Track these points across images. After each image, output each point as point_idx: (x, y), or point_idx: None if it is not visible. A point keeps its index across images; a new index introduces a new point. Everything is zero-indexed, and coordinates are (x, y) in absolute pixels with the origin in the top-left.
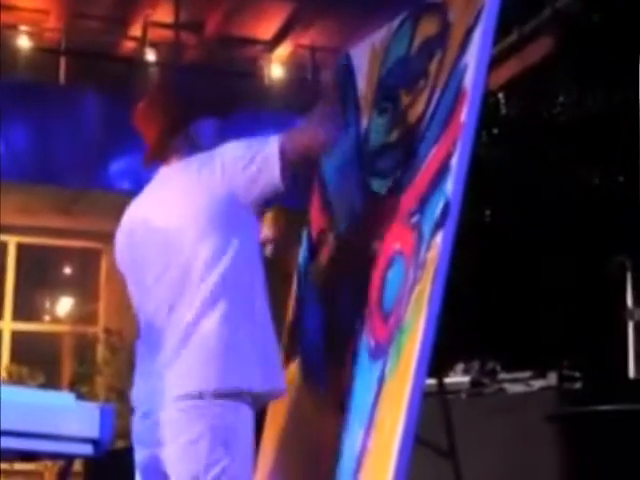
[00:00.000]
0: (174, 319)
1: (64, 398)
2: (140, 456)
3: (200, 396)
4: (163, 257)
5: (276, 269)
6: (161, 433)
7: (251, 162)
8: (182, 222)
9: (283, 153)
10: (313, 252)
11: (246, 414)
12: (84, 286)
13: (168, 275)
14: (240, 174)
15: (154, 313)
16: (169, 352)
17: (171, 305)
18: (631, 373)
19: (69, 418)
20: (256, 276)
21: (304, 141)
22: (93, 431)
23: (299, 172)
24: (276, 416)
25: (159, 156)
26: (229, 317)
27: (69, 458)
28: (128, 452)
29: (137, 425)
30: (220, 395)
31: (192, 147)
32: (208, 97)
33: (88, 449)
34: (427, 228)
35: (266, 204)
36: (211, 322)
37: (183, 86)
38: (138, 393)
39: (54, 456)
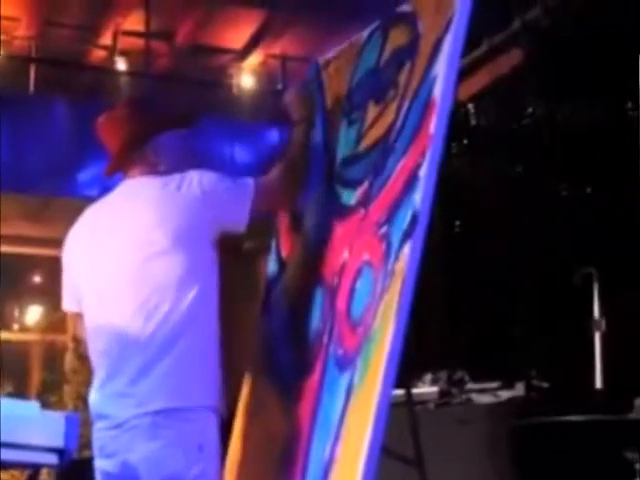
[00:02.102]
0: (139, 336)
1: (29, 407)
2: (105, 467)
3: (167, 412)
4: (127, 269)
5: (243, 279)
6: (131, 440)
7: (224, 202)
8: (154, 237)
9: (253, 206)
10: (282, 262)
11: (213, 420)
12: (53, 294)
13: (133, 291)
14: (215, 208)
15: (118, 326)
16: (135, 368)
17: (137, 321)
18: (598, 384)
19: (34, 427)
20: (216, 302)
21: (272, 200)
22: (58, 440)
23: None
24: (244, 426)
25: (121, 167)
26: (197, 338)
27: (34, 467)
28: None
29: (102, 436)
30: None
31: (156, 160)
32: (171, 110)
33: (53, 459)
34: (396, 238)
35: None
36: (179, 345)
37: (146, 98)
38: (101, 404)
39: (18, 465)
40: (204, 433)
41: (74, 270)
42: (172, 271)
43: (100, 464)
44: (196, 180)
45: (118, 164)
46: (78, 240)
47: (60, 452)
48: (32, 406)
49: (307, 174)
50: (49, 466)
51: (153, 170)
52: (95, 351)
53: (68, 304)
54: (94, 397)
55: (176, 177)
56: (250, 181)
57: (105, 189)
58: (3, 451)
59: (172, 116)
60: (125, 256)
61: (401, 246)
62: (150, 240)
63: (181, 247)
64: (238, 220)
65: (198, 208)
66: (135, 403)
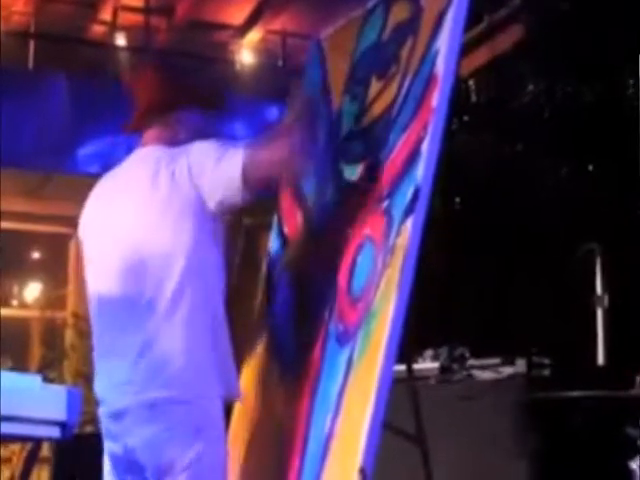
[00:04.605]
0: (137, 319)
1: (30, 381)
2: (112, 449)
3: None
4: (126, 244)
5: (244, 256)
6: (130, 426)
7: (213, 177)
8: (147, 214)
9: (245, 173)
10: (283, 238)
11: (215, 400)
12: (52, 271)
13: (131, 267)
14: (204, 185)
15: (115, 308)
16: (134, 352)
17: (133, 302)
18: (600, 360)
19: (36, 401)
20: (218, 280)
21: (267, 163)
22: (60, 414)
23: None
24: (245, 402)
25: (141, 127)
26: (193, 321)
27: (36, 441)
28: (96, 437)
29: (104, 420)
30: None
31: (175, 133)
32: (205, 88)
33: (55, 432)
34: (397, 213)
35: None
36: (174, 328)
37: (185, 69)
38: (100, 389)
39: (21, 439)
40: (203, 416)
41: (84, 241)
42: (163, 247)
43: (108, 445)
44: (185, 159)
45: (139, 123)
46: (87, 209)
47: (62, 425)
48: (33, 379)
49: (305, 141)
50: (51, 439)
51: (168, 142)
52: (93, 328)
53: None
54: (95, 379)
55: (172, 152)
56: (239, 152)
57: (105, 166)
58: (4, 424)
59: (204, 94)
60: (119, 228)
61: (403, 221)
62: (143, 212)
63: (172, 222)
64: (231, 193)
65: (186, 186)
66: (133, 391)
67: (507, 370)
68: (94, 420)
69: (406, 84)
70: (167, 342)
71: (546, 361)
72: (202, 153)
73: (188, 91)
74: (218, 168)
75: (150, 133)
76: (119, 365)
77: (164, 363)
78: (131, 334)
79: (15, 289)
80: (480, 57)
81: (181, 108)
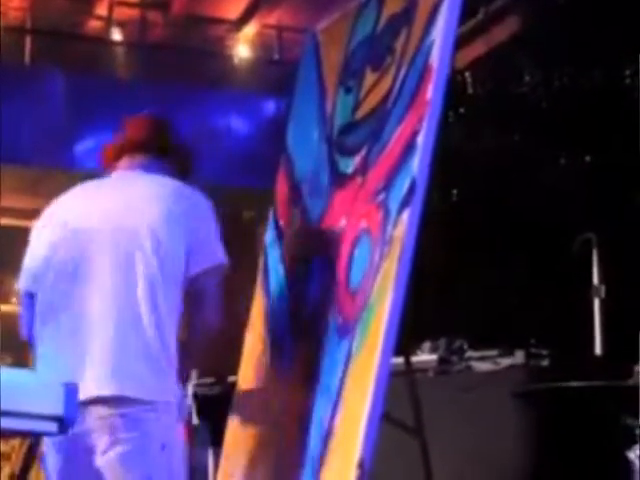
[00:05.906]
0: (102, 316)
1: (27, 376)
2: (58, 462)
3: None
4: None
5: (242, 249)
6: (92, 439)
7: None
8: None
9: (196, 282)
10: (280, 231)
11: (174, 409)
12: None
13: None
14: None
15: (79, 302)
16: (97, 349)
17: (99, 302)
18: (597, 350)
19: (33, 395)
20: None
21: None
22: (57, 409)
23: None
24: (243, 394)
25: (121, 157)
26: (162, 325)
27: (33, 436)
28: None
29: None
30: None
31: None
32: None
33: (52, 427)
34: (393, 206)
35: None
36: (143, 328)
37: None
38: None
39: (17, 433)
40: (166, 425)
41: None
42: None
43: (52, 459)
44: (182, 225)
45: (120, 154)
46: (58, 224)
47: (59, 420)
48: (30, 374)
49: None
50: (48, 434)
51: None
52: (51, 328)
53: None
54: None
55: (177, 196)
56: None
57: None
58: (1, 419)
59: (184, 159)
60: (113, 237)
61: (399, 213)
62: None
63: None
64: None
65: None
66: (95, 385)
67: (506, 361)
68: None
69: (401, 76)
70: (135, 341)
71: (544, 352)
72: (209, 228)
73: (174, 148)
74: (205, 249)
75: (129, 163)
76: (74, 364)
77: (129, 363)
78: (95, 333)
79: (14, 285)
80: (476, 49)
81: (161, 155)
